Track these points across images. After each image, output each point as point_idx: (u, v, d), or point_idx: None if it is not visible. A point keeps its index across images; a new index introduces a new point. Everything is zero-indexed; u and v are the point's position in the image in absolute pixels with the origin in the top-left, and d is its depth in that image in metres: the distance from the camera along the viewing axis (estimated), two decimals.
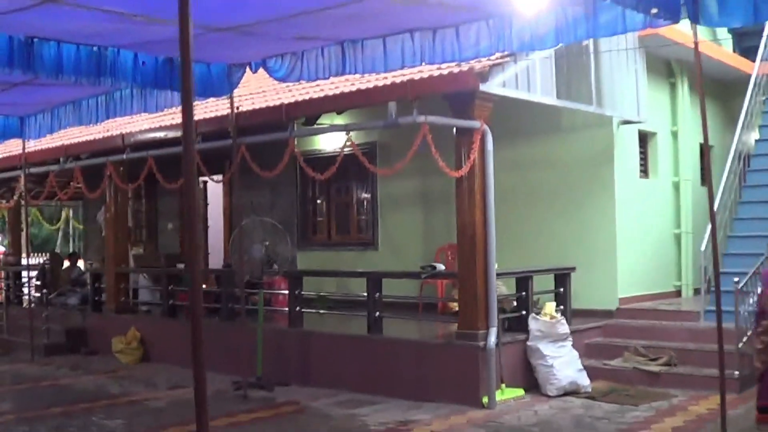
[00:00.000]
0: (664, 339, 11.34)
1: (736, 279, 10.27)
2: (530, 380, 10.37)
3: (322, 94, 10.81)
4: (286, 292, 12.25)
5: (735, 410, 8.90)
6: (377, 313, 10.85)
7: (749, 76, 13.97)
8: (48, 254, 20.51)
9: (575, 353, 10.51)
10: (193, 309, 3.75)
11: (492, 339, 9.73)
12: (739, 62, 14.62)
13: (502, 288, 10.80)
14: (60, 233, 32.03)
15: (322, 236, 15.54)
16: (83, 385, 11.94)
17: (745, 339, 10.44)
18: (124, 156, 13.10)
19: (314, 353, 11.37)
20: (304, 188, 15.74)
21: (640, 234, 12.76)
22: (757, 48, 14.45)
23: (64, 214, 23.12)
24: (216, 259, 17.14)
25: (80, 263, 18.38)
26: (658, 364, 10.70)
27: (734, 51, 15.82)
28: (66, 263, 17.98)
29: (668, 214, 13.70)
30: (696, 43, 8.28)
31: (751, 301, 10.78)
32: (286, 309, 12.44)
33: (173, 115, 12.90)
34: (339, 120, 13.16)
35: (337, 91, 10.56)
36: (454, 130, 9.98)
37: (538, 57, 10.17)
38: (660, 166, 13.53)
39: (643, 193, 13.00)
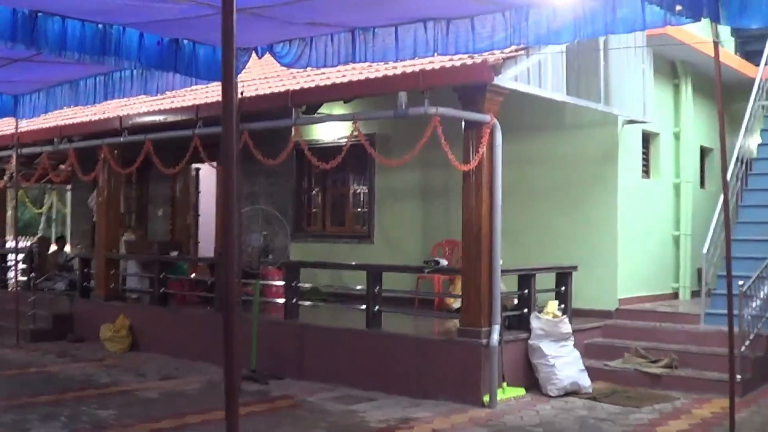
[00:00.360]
0: (664, 341, 11.24)
1: (741, 282, 10.15)
2: (531, 379, 10.22)
3: (329, 82, 10.59)
4: (281, 283, 12.06)
5: (739, 414, 8.75)
6: (377, 308, 10.66)
7: (750, 79, 13.90)
8: (36, 238, 20.20)
9: (577, 353, 10.38)
10: (228, 301, 3.54)
11: (495, 337, 9.57)
12: (741, 65, 14.51)
13: (501, 285, 10.62)
14: (43, 217, 31.63)
15: (316, 227, 15.31)
16: (71, 373, 11.68)
17: (747, 342, 10.36)
18: (122, 139, 12.81)
19: (310, 346, 11.17)
20: (300, 178, 15.52)
21: (641, 235, 12.64)
22: (758, 52, 14.38)
23: (50, 198, 22.76)
24: (208, 248, 16.89)
25: (67, 248, 18.06)
26: (659, 367, 10.59)
27: (736, 54, 15.71)
28: (53, 247, 17.68)
29: (668, 216, 13.60)
30: (716, 43, 8.17)
31: (754, 304, 10.70)
32: (280, 300, 12.27)
33: (173, 99, 12.69)
34: (339, 110, 12.94)
35: (345, 79, 10.35)
36: (463, 123, 9.79)
37: (549, 52, 10.00)
38: (662, 167, 13.41)
39: (645, 194, 12.88)
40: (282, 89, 11.07)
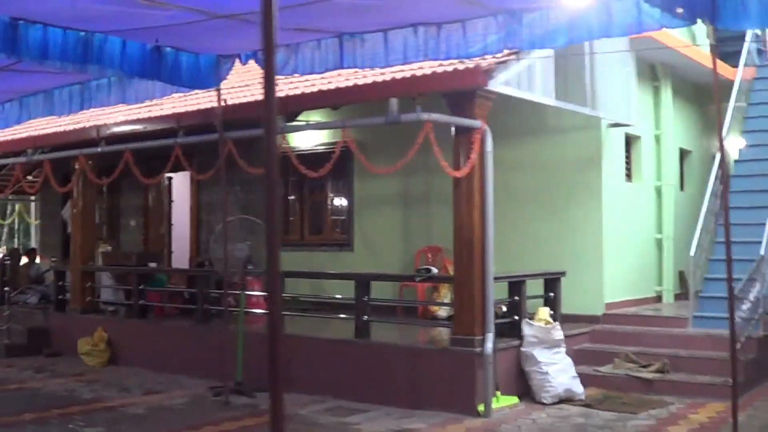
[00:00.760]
0: (653, 345, 11.20)
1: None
2: (523, 387, 10.10)
3: (315, 89, 10.42)
4: (263, 293, 11.82)
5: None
6: (365, 317, 10.49)
7: (728, 81, 13.93)
8: (7, 250, 19.81)
9: (569, 360, 10.27)
10: (271, 316, 3.35)
11: (489, 345, 9.43)
12: (719, 67, 14.48)
13: None
14: (5, 228, 31.09)
15: (294, 236, 15.06)
16: (52, 389, 11.38)
17: (739, 345, 10.31)
18: (99, 149, 12.51)
19: (297, 358, 10.94)
20: None
21: (624, 238, 12.59)
22: (734, 53, 14.43)
23: (17, 209, 22.34)
24: (180, 258, 16.62)
25: (37, 260, 17.68)
26: (651, 371, 10.52)
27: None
28: (24, 259, 17.33)
29: (650, 219, 13.58)
30: (713, 46, 8.11)
31: (744, 307, 10.67)
32: (261, 311, 12.10)
33: (150, 108, 12.44)
34: (317, 117, 12.75)
35: (332, 86, 10.18)
36: (452, 129, 9.66)
37: (538, 56, 9.91)
38: (643, 170, 13.38)
39: (628, 198, 12.84)
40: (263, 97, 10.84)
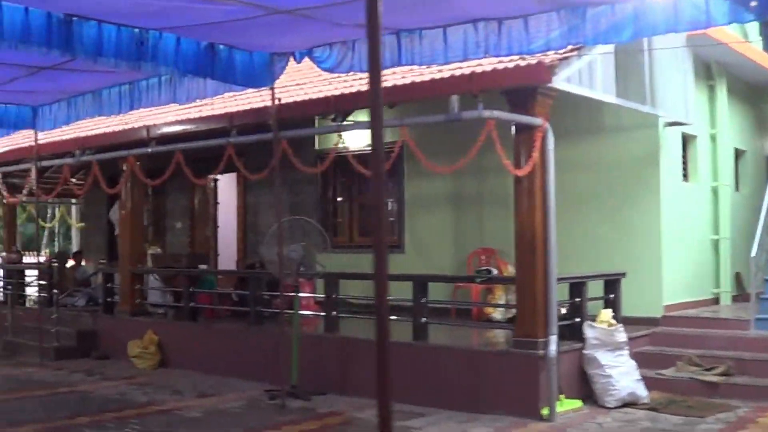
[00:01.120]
0: (716, 348, 10.92)
1: None
2: (586, 390, 9.88)
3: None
4: (316, 295, 11.73)
5: None
6: (423, 319, 10.31)
7: None
8: (55, 253, 19.83)
9: (633, 363, 10.04)
10: (380, 323, 3.20)
11: (552, 348, 9.22)
12: None
13: None
14: (46, 232, 31.19)
15: (343, 238, 14.92)
16: (105, 392, 11.30)
17: None
18: (149, 150, 12.41)
19: (353, 360, 10.81)
20: (325, 187, 15.17)
21: (682, 239, 12.32)
22: None
23: (59, 212, 22.37)
24: (226, 260, 16.52)
25: (83, 262, 17.65)
26: (715, 374, 10.26)
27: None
28: (70, 262, 17.30)
29: (707, 220, 13.29)
30: None
31: None
32: (312, 313, 12.00)
33: (200, 108, 12.33)
34: (362, 116, 12.52)
35: (388, 84, 10.01)
36: (513, 127, 9.48)
37: (598, 52, 9.70)
38: (699, 170, 13.12)
39: (685, 198, 12.57)
40: (320, 95, 10.71)
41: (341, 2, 7.51)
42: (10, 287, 16.24)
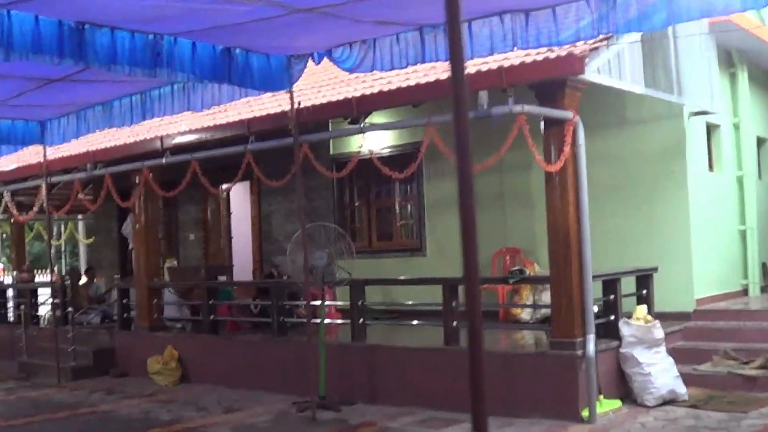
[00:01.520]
0: (752, 341, 10.67)
1: None
2: (624, 390, 9.60)
3: (392, 86, 9.96)
4: (338, 303, 11.46)
5: None
6: (455, 323, 10.02)
7: None
8: (67, 270, 19.54)
9: (670, 359, 9.76)
10: (473, 330, 2.93)
11: (591, 347, 8.95)
12: None
13: None
14: (52, 249, 30.85)
15: (362, 243, 14.60)
16: (127, 412, 11.00)
17: None
18: (164, 160, 12.12)
19: (381, 368, 10.53)
20: (341, 192, 14.90)
21: (711, 231, 12.04)
22: None
23: (67, 228, 22.06)
24: (241, 271, 16.21)
25: (95, 279, 17.35)
26: (754, 368, 9.97)
27: None
28: (83, 279, 17.01)
29: (733, 210, 13.02)
30: None
31: None
32: (339, 321, 11.75)
33: (213, 115, 12.06)
34: (379, 118, 12.23)
35: (411, 83, 9.75)
36: (542, 122, 9.21)
37: (626, 42, 9.44)
38: (723, 159, 12.85)
39: (711, 189, 12.29)
40: (339, 97, 10.44)
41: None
42: (22, 306, 15.92)
